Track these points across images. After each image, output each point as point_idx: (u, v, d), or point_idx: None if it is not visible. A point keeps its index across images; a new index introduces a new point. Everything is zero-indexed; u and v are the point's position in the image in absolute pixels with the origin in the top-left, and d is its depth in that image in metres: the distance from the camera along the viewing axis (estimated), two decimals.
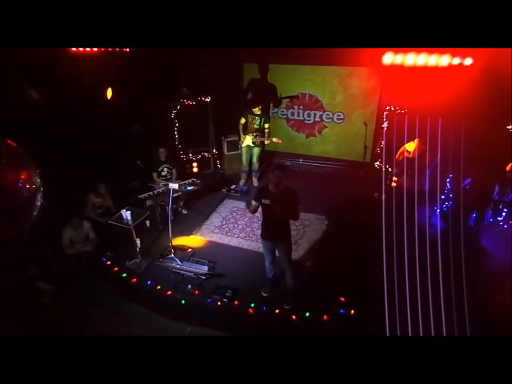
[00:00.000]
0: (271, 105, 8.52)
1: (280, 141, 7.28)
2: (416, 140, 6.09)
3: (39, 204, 4.12)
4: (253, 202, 4.29)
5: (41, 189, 4.12)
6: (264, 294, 4.83)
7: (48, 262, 5.09)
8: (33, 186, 4.04)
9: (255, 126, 7.25)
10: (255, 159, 7.56)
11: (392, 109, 6.89)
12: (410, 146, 6.20)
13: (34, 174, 4.10)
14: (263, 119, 7.21)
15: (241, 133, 7.41)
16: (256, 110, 7.15)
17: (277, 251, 4.59)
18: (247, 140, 7.34)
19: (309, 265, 5.39)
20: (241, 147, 7.54)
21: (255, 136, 7.28)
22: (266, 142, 7.41)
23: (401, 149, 6.33)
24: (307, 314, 4.49)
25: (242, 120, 7.30)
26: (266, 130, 7.28)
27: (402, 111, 6.69)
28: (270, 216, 4.28)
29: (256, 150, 7.45)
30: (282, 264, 4.63)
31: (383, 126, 7.03)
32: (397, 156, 6.34)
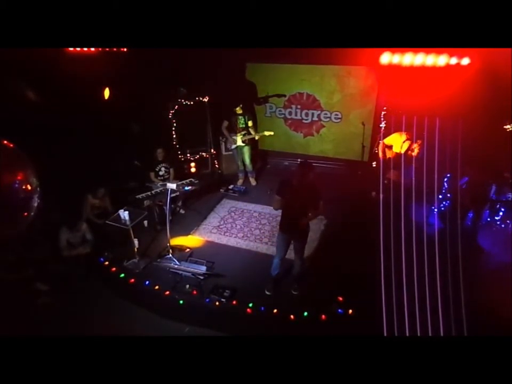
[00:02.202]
0: (255, 104, 8.51)
1: (272, 133, 7.29)
2: (394, 134, 6.12)
3: (36, 204, 4.12)
4: (277, 197, 4.32)
5: (38, 189, 4.12)
6: (267, 293, 4.82)
7: (46, 262, 5.08)
8: (30, 186, 4.04)
9: (241, 126, 7.28)
10: (247, 161, 7.53)
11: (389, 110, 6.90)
12: (389, 140, 6.24)
13: (31, 175, 4.09)
14: (246, 117, 7.25)
15: (227, 135, 7.43)
16: (238, 110, 7.17)
17: (292, 244, 4.65)
18: (237, 141, 7.36)
19: (307, 265, 5.39)
20: (231, 149, 7.56)
21: (244, 135, 7.30)
22: (256, 137, 7.42)
23: (381, 145, 6.35)
24: (305, 314, 4.49)
25: (225, 123, 7.34)
26: (250, 128, 7.30)
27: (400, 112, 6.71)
28: (291, 210, 4.32)
29: (246, 150, 7.43)
30: (295, 255, 4.72)
31: (380, 125, 7.04)
32: (380, 154, 6.37)
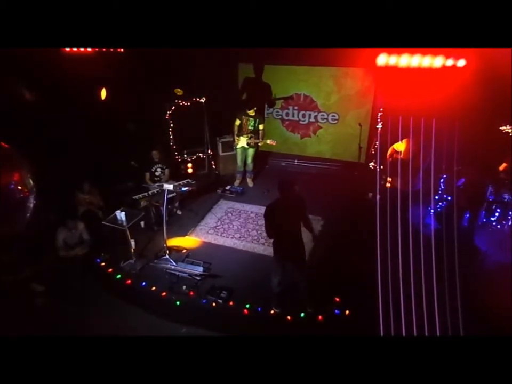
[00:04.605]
0: (266, 105, 8.53)
1: (274, 143, 7.27)
2: (404, 140, 6.13)
3: (31, 205, 4.11)
4: (266, 224, 4.20)
5: (34, 190, 4.11)
6: (276, 310, 4.58)
7: (42, 263, 5.05)
8: (26, 187, 4.03)
9: (250, 128, 7.25)
10: (249, 160, 7.57)
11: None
12: (398, 146, 6.25)
13: (27, 176, 4.08)
14: (257, 120, 7.21)
15: (235, 135, 7.41)
16: (251, 112, 7.13)
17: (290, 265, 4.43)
18: (242, 141, 7.34)
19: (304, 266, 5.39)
20: (236, 148, 7.54)
21: (250, 138, 7.28)
22: (260, 143, 7.42)
23: (390, 149, 6.37)
24: (302, 314, 4.49)
25: (237, 122, 7.29)
26: (260, 132, 7.28)
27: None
28: (282, 231, 4.18)
29: (250, 151, 7.46)
30: (295, 277, 4.48)
31: (377, 126, 7.06)
32: (387, 156, 6.38)
